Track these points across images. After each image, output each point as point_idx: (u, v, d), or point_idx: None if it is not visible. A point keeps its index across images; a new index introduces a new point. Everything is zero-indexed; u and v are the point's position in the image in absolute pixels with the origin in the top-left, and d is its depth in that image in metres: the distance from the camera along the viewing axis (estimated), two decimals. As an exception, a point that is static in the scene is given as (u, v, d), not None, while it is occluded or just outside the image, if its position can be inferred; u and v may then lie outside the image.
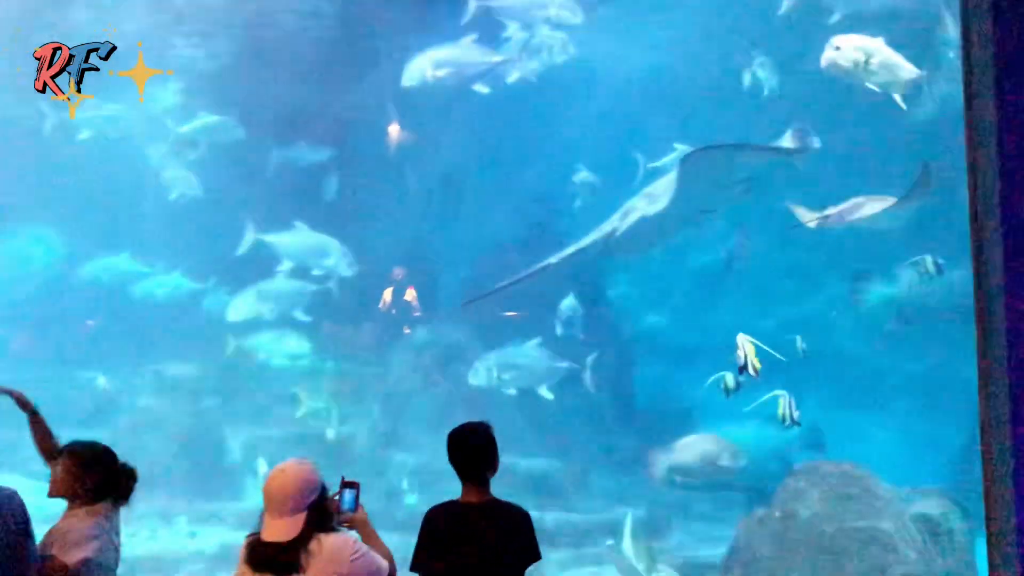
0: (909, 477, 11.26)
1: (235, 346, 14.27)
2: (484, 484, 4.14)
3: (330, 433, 13.42)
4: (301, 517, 3.61)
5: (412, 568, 4.10)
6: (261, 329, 14.48)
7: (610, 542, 10.78)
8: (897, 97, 11.23)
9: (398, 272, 14.06)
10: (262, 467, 12.18)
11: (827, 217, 12.17)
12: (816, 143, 12.28)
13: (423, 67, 13.12)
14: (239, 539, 3.83)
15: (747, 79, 13.43)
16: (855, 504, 9.67)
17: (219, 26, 14.64)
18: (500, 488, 4.29)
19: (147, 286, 15.35)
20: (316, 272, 13.95)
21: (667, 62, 14.29)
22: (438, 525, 4.08)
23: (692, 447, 12.54)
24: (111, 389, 14.50)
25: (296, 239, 13.94)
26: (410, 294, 14.73)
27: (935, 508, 10.39)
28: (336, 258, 13.88)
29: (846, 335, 15.29)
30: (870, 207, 12.12)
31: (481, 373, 13.51)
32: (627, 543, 10.45)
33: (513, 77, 13.45)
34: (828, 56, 11.15)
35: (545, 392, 13.46)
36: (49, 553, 3.94)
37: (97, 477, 4.17)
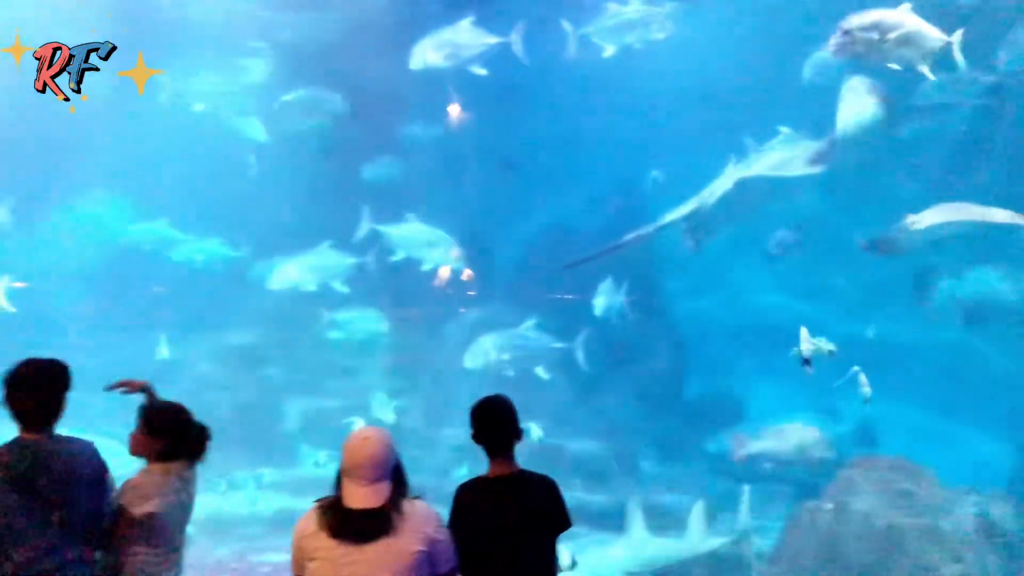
0: (968, 477, 11.06)
1: (328, 319, 14.52)
2: (511, 455, 4.19)
3: (389, 416, 13.51)
4: (387, 483, 3.68)
5: None
6: (328, 304, 14.68)
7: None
8: (924, 68, 10.30)
9: (455, 252, 14.11)
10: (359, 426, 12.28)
11: (911, 224, 11.36)
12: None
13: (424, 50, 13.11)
14: (295, 505, 3.88)
15: (806, 72, 13.04)
16: (910, 500, 9.55)
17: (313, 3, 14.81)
18: (545, 469, 4.34)
19: (187, 251, 15.57)
20: (426, 267, 14.05)
21: (764, 46, 13.88)
22: (469, 501, 4.13)
23: (785, 435, 12.48)
24: (171, 355, 14.84)
25: (408, 231, 14.01)
26: (467, 274, 14.82)
27: (994, 510, 10.19)
28: (445, 251, 13.92)
29: (909, 332, 15.01)
30: (953, 214, 11.28)
31: (478, 354, 13.57)
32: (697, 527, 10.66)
33: (609, 52, 13.16)
34: (835, 42, 10.31)
35: (541, 372, 13.42)
36: (120, 503, 4.12)
37: (169, 437, 4.31)
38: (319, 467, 13.19)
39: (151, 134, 14.44)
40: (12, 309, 12.90)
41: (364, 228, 14.08)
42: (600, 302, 13.72)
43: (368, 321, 14.81)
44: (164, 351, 13.49)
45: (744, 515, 10.64)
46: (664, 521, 11.43)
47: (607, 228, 14.48)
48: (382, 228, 14.07)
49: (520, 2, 13.73)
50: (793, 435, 12.45)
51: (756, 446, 12.48)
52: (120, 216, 16.04)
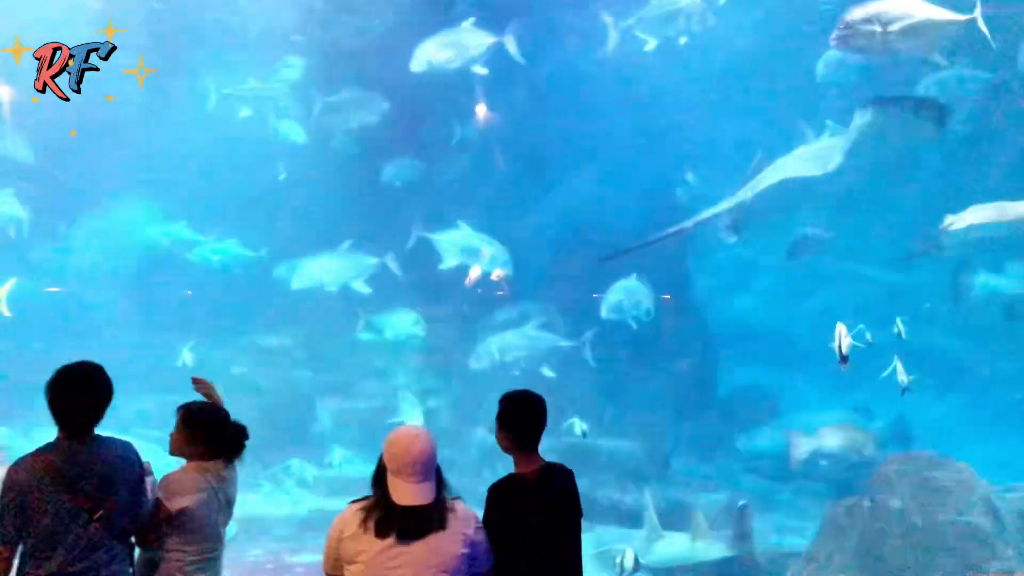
0: (1010, 474, 10.88)
1: (365, 321, 14.55)
2: (537, 450, 4.18)
3: (417, 417, 13.49)
4: (434, 481, 3.72)
5: None
6: (361, 305, 14.72)
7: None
8: (937, 57, 9.93)
9: (486, 252, 14.08)
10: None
11: (949, 225, 11.01)
12: None
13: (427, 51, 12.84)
14: (327, 505, 3.88)
15: (819, 69, 12.77)
16: (949, 497, 9.39)
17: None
18: (578, 467, 4.35)
19: (203, 252, 15.55)
20: (475, 274, 14.07)
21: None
22: (504, 500, 4.09)
23: (837, 434, 12.45)
24: (205, 357, 14.92)
25: (458, 238, 14.00)
26: (497, 274, 14.79)
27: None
28: (495, 257, 13.87)
29: (947, 327, 14.78)
30: (992, 214, 10.95)
31: (483, 355, 13.47)
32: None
33: (650, 46, 12.81)
34: (835, 36, 9.85)
35: (547, 371, 13.30)
36: (155, 498, 4.18)
37: (207, 437, 4.36)
38: (333, 467, 13.24)
39: (185, 137, 14.55)
40: (8, 313, 12.91)
41: (415, 235, 14.01)
42: (609, 302, 13.48)
43: (405, 323, 14.82)
44: (188, 359, 13.54)
45: (747, 525, 10.54)
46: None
47: (641, 227, 14.35)
48: (432, 235, 13.97)
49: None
50: (845, 433, 12.39)
51: (812, 444, 12.38)
52: (152, 219, 16.17)
